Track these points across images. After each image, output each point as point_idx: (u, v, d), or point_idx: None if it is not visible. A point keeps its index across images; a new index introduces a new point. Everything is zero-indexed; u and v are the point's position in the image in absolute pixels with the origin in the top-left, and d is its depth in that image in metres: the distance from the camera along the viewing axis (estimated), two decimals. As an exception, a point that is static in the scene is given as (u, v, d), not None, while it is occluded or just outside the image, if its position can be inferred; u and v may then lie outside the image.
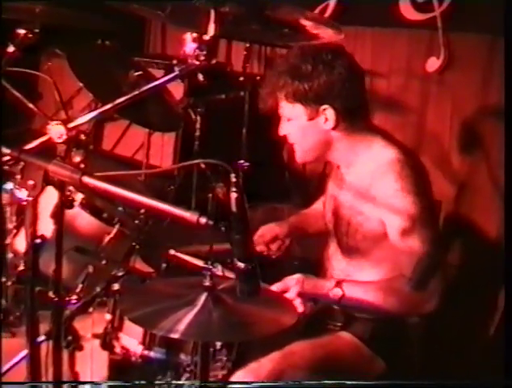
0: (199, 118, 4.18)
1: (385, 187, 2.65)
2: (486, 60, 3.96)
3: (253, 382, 2.52)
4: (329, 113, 2.66)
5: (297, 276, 2.68)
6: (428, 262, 2.63)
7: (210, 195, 3.33)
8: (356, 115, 2.72)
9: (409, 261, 2.62)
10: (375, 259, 2.76)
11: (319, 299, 2.72)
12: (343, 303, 2.68)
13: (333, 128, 2.69)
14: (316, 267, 3.06)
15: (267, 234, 3.17)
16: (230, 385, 2.59)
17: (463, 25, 4.02)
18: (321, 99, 2.65)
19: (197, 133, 4.17)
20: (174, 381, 2.67)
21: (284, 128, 2.79)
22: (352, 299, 2.66)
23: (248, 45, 4.30)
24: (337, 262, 2.91)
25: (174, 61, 4.06)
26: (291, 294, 2.64)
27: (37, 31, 3.05)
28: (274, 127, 2.81)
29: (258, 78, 4.59)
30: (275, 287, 2.68)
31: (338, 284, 2.66)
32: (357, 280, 2.75)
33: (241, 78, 4.26)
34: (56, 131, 2.07)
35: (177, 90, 4.18)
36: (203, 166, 3.49)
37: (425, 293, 2.64)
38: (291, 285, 2.66)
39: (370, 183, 2.70)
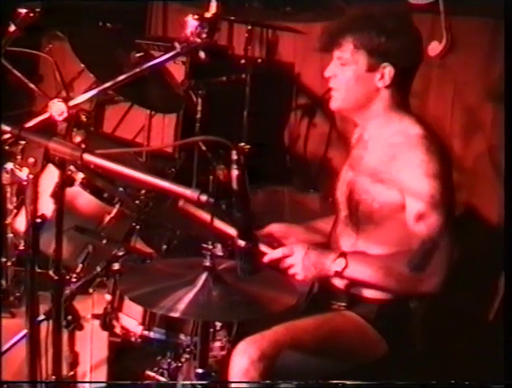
0: (200, 100, 4.17)
1: (412, 158, 2.65)
2: (488, 44, 3.94)
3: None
4: (387, 71, 2.70)
5: (303, 243, 2.73)
6: (432, 246, 2.62)
7: (211, 177, 3.33)
8: (403, 86, 2.77)
9: (415, 241, 2.62)
10: (385, 233, 2.75)
11: (320, 272, 2.70)
12: (343, 276, 2.68)
13: (385, 87, 2.73)
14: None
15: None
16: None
17: (465, 9, 4.00)
18: (387, 57, 2.69)
19: (198, 115, 4.16)
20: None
21: (332, 70, 2.79)
22: (353, 273, 2.67)
23: (250, 28, 4.29)
24: (345, 238, 2.88)
25: (176, 43, 4.07)
26: (294, 259, 2.67)
27: (39, 10, 3.03)
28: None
29: (260, 60, 4.60)
30: (280, 251, 2.71)
31: (343, 254, 2.67)
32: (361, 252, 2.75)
33: (243, 61, 4.25)
34: (57, 108, 2.07)
35: (178, 71, 4.17)
36: (203, 148, 3.49)
37: (422, 274, 2.62)
38: (297, 250, 2.69)
39: (394, 153, 2.69)
